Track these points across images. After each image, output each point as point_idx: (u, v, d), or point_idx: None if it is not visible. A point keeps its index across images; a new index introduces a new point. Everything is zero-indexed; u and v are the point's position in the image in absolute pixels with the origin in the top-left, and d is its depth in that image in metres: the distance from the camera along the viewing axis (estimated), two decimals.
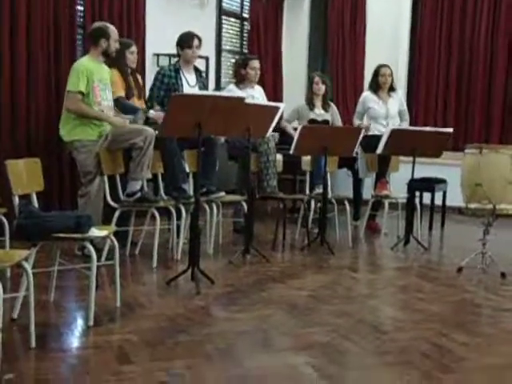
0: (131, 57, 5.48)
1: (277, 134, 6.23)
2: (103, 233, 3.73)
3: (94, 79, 4.82)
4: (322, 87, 6.72)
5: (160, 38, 6.76)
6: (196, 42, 5.58)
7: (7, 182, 3.53)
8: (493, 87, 8.27)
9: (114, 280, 3.87)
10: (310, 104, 6.74)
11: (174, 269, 4.79)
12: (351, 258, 5.63)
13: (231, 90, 6.15)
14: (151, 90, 5.63)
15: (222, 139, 5.96)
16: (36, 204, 3.70)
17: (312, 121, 6.65)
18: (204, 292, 4.19)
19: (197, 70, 5.79)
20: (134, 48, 5.52)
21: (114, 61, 5.19)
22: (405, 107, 6.97)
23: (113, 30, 4.99)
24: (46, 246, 3.62)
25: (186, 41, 5.56)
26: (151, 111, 5.39)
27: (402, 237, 5.95)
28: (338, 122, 6.88)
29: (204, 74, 6.28)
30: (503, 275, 4.80)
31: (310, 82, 6.84)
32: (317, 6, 9.26)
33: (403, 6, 8.61)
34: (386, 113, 6.66)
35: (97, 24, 5.11)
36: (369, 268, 5.41)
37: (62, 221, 3.45)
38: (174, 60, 6.56)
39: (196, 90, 5.57)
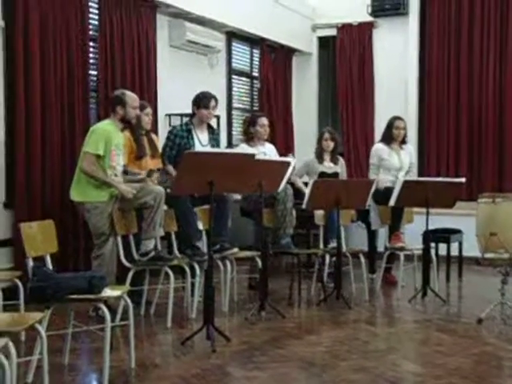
0: (146, 118, 5.56)
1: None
2: (117, 293, 3.72)
3: (111, 143, 4.89)
4: (331, 144, 6.77)
5: (171, 99, 6.89)
6: (213, 102, 5.65)
7: (22, 244, 3.55)
8: (504, 135, 8.29)
9: (128, 341, 3.84)
10: (320, 158, 6.79)
11: (188, 327, 4.75)
12: (368, 311, 5.56)
13: (243, 149, 6.18)
14: (163, 149, 5.69)
15: (235, 196, 5.99)
16: (50, 266, 3.71)
17: (322, 173, 6.68)
18: (220, 350, 4.14)
19: (209, 127, 5.84)
20: (148, 110, 5.61)
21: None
22: (413, 161, 7.00)
23: (130, 96, 5.04)
24: (60, 308, 3.61)
25: (204, 101, 5.62)
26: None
27: (419, 289, 5.88)
28: (343, 177, 6.93)
29: (218, 132, 6.33)
30: None
31: (320, 137, 6.90)
32: (325, 61, 9.44)
33: (410, 58, 8.74)
34: (399, 165, 6.67)
35: (115, 92, 5.21)
36: (387, 321, 5.33)
37: (76, 282, 3.46)
38: (185, 119, 6.67)
39: (208, 149, 5.62)
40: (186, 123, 5.82)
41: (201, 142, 5.68)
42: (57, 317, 3.71)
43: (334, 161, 6.85)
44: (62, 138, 5.73)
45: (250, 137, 6.26)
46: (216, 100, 5.70)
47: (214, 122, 7.26)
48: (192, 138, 5.62)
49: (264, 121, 6.25)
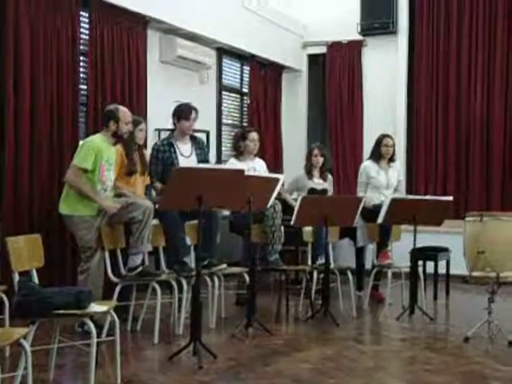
0: (139, 134, 5.54)
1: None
2: (104, 308, 3.70)
3: (102, 158, 4.88)
4: (320, 159, 6.81)
5: (161, 114, 6.89)
6: (194, 114, 5.61)
7: (8, 258, 3.52)
8: (491, 154, 8.36)
9: (114, 357, 3.80)
10: (309, 174, 6.81)
11: (175, 343, 4.72)
12: (356, 329, 5.55)
13: (232, 164, 6.19)
14: (150, 167, 5.65)
15: (224, 212, 5.98)
16: (36, 280, 3.68)
17: (312, 190, 6.70)
18: (206, 367, 4.11)
19: (192, 137, 5.76)
20: (143, 125, 5.59)
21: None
22: (401, 178, 7.04)
23: (124, 112, 5.02)
24: (46, 323, 3.58)
25: (184, 112, 5.57)
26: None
27: (406, 307, 5.88)
28: (330, 193, 6.95)
29: (204, 141, 6.30)
30: (511, 344, 4.72)
31: (309, 153, 6.93)
32: (314, 79, 9.49)
33: (399, 77, 8.82)
34: (387, 182, 6.70)
35: (109, 106, 5.20)
36: (374, 339, 5.33)
37: (62, 297, 3.43)
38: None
39: (192, 161, 5.58)
40: (167, 137, 5.77)
41: (183, 154, 5.61)
42: (42, 332, 3.68)
43: (323, 177, 6.89)
44: (51, 151, 5.71)
45: (239, 151, 6.25)
46: (196, 111, 5.64)
47: (203, 137, 7.31)
48: (174, 152, 5.56)
49: (254, 135, 6.25)
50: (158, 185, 5.53)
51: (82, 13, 6.07)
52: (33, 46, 5.50)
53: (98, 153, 4.84)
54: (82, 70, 6.11)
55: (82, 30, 6.10)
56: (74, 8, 5.88)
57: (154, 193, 5.86)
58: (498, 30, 8.31)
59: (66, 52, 5.80)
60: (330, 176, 7.06)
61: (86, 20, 6.16)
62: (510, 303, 6.16)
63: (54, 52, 5.70)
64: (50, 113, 5.68)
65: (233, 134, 8.35)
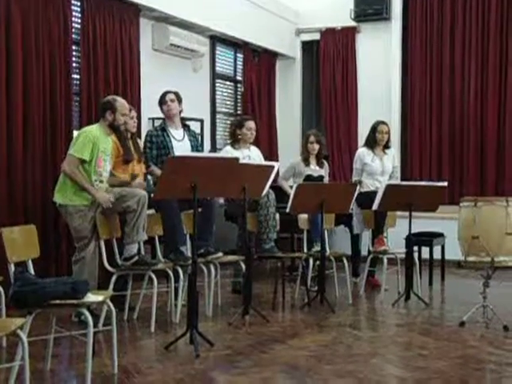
0: (131, 121, 5.53)
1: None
2: (100, 298, 3.70)
3: (98, 149, 4.86)
4: (316, 146, 6.79)
5: (155, 103, 6.84)
6: (169, 96, 5.74)
7: (3, 249, 3.52)
8: (485, 139, 8.37)
9: (111, 346, 3.81)
10: (306, 161, 6.80)
11: (172, 332, 4.73)
12: (352, 315, 5.57)
13: (228, 152, 6.19)
14: (144, 152, 5.70)
15: (221, 200, 5.99)
16: (32, 271, 3.68)
17: (308, 176, 6.69)
18: (203, 355, 4.12)
19: (185, 125, 5.93)
20: (133, 113, 5.60)
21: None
22: (396, 164, 7.03)
23: (121, 103, 5.01)
24: (42, 313, 3.58)
25: (160, 100, 5.80)
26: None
27: (402, 292, 5.91)
28: (326, 180, 6.95)
29: (199, 135, 6.36)
30: (506, 328, 4.75)
31: (305, 141, 6.92)
32: (308, 66, 9.47)
33: (393, 63, 8.81)
34: (382, 169, 6.70)
35: (106, 97, 5.18)
36: (370, 325, 5.34)
37: (58, 287, 3.43)
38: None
39: (185, 144, 5.69)
40: (159, 124, 5.95)
41: (175, 137, 5.73)
42: (39, 322, 3.68)
43: (320, 164, 6.88)
44: (44, 141, 5.69)
45: (236, 139, 6.26)
46: (174, 93, 5.77)
47: (197, 126, 7.31)
48: (168, 135, 5.70)
49: (251, 124, 6.25)
50: (155, 168, 5.56)
51: (73, 1, 6.03)
52: (25, 36, 5.46)
53: (95, 143, 4.83)
54: (74, 59, 6.09)
55: (74, 18, 6.06)
56: None
57: (150, 180, 5.87)
58: (492, 13, 8.28)
59: (58, 41, 5.78)
60: (325, 163, 7.05)
61: (78, 9, 6.12)
62: (505, 288, 6.18)
63: (46, 41, 5.67)
64: (42, 102, 5.66)
65: (227, 122, 8.35)
